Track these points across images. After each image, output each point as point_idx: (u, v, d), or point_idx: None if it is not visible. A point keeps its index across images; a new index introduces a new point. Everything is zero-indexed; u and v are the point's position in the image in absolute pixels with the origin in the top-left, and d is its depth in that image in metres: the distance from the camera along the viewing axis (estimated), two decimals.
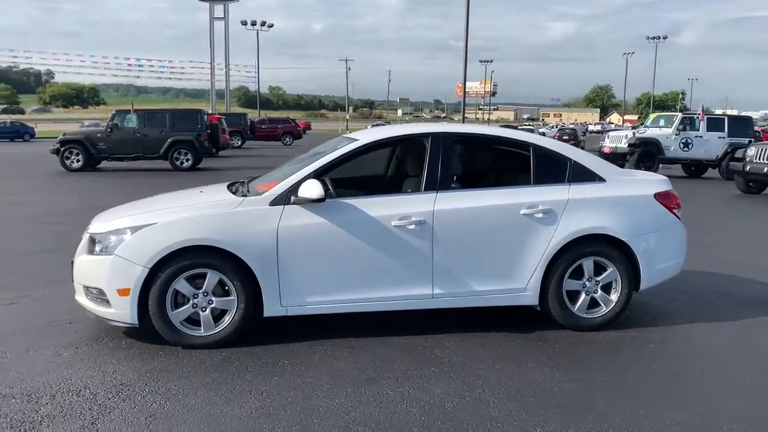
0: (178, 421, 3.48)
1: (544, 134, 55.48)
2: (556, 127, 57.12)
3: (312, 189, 4.51)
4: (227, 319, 4.58)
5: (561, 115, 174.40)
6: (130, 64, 76.32)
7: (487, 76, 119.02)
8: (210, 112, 33.49)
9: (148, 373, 4.13)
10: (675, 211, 5.23)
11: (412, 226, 4.69)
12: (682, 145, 20.81)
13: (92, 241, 4.65)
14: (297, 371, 4.19)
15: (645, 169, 20.40)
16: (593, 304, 5.07)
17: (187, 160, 20.35)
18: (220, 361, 4.33)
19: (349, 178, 5.97)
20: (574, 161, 5.07)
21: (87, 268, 4.64)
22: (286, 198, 4.63)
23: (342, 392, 3.87)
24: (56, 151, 20.09)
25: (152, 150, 20.11)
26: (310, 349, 4.57)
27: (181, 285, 4.50)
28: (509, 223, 4.83)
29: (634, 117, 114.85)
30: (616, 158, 21.71)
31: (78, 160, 20.05)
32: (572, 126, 61.08)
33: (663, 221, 5.16)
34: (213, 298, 4.56)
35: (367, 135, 5.10)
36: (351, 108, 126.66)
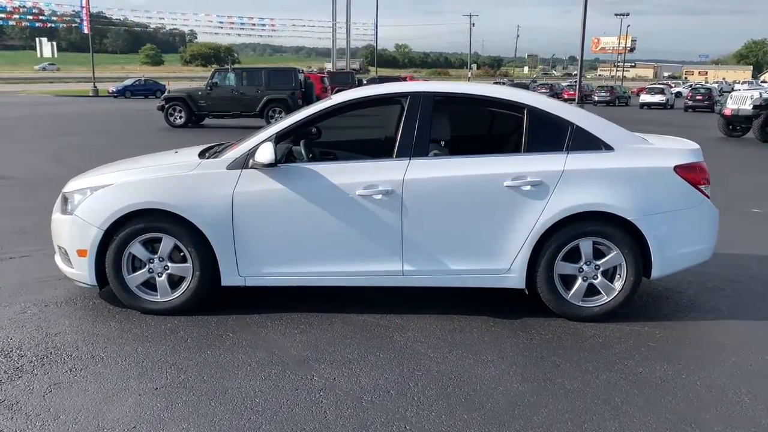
0: (77, 391, 3.37)
1: (680, 94, 51.69)
2: (692, 86, 52.56)
3: (264, 153, 4.20)
4: (184, 286, 4.43)
5: (707, 73, 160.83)
6: (253, 24, 78.69)
7: (623, 31, 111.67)
8: (314, 70, 33.73)
9: (88, 338, 4.07)
10: (702, 186, 4.41)
11: (379, 196, 4.26)
12: None
13: (64, 199, 4.64)
14: (235, 347, 3.96)
15: None
16: (592, 291, 4.42)
17: (282, 118, 20.57)
18: (164, 331, 4.19)
19: (336, 142, 5.62)
20: (577, 126, 4.38)
21: (56, 227, 4.64)
22: (244, 162, 4.35)
23: (263, 374, 3.60)
24: (161, 108, 21.08)
25: (249, 108, 20.55)
26: (263, 323, 4.33)
27: (137, 249, 4.39)
28: (490, 196, 4.27)
29: None
30: (740, 121, 19.58)
31: (181, 117, 20.94)
32: (709, 85, 55.87)
33: (684, 199, 4.37)
34: (169, 264, 4.42)
35: (341, 95, 4.68)
36: (475, 65, 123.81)
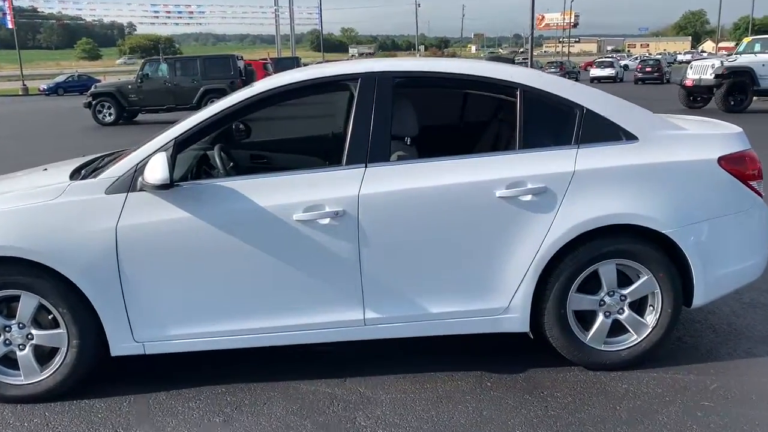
0: None
1: (627, 67, 51.55)
2: (639, 59, 52.57)
3: (155, 168, 2.93)
4: (57, 361, 3.14)
5: (648, 45, 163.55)
6: (191, 12, 75.67)
7: (567, 6, 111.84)
8: (252, 57, 32.17)
9: None
10: (753, 182, 3.33)
11: (326, 221, 3.05)
12: None
13: None
14: None
15: (735, 104, 17.61)
16: (618, 329, 3.32)
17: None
18: (33, 429, 2.92)
19: (271, 143, 4.42)
20: (587, 110, 3.24)
21: None
22: (130, 182, 3.08)
23: None
24: (88, 105, 19.28)
25: (185, 100, 18.90)
26: (171, 407, 3.09)
27: None
28: (478, 212, 3.11)
29: (731, 44, 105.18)
30: (701, 92, 18.91)
31: (110, 114, 19.19)
32: (657, 56, 56.02)
33: (732, 200, 3.28)
34: (34, 332, 3.13)
35: (267, 81, 3.42)
36: (423, 47, 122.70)
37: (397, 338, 3.24)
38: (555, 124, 3.27)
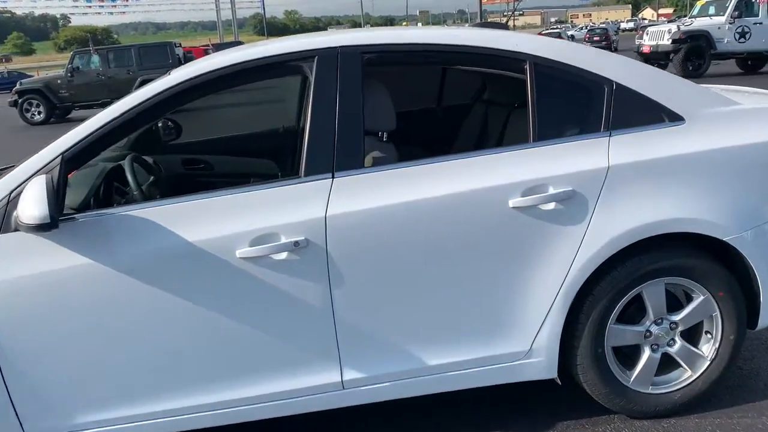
0: None
1: (573, 37, 51.47)
2: (585, 28, 52.53)
3: (30, 202, 2.04)
4: None
5: (591, 15, 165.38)
6: (126, 1, 72.59)
7: None
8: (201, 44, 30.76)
9: None
10: None
11: (282, 255, 2.22)
12: (737, 36, 17.32)
13: None
14: None
15: (693, 69, 17.24)
16: (667, 365, 2.60)
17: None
18: None
19: (207, 144, 3.59)
20: (618, 85, 2.47)
21: None
22: (1, 220, 2.19)
23: None
24: (14, 104, 17.76)
25: (121, 92, 17.40)
26: None
27: None
28: (486, 229, 2.32)
29: (669, 11, 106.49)
30: (658, 58, 18.48)
31: (39, 112, 17.72)
32: (603, 25, 56.08)
33: None
34: None
35: (187, 68, 2.54)
36: (368, 26, 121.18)
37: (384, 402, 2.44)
38: (578, 105, 2.49)
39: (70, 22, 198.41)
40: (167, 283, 2.19)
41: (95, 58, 17.73)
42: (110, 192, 2.79)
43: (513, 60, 2.48)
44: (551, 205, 2.33)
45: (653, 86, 2.49)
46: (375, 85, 2.58)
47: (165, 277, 2.19)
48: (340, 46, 2.40)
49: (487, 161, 2.37)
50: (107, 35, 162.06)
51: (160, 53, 18.00)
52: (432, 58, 2.72)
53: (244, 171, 3.65)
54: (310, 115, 2.35)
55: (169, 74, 2.49)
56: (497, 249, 2.34)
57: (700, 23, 17.94)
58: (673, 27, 17.93)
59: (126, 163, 2.68)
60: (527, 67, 2.45)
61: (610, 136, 2.43)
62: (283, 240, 2.22)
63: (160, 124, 3.82)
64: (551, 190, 2.33)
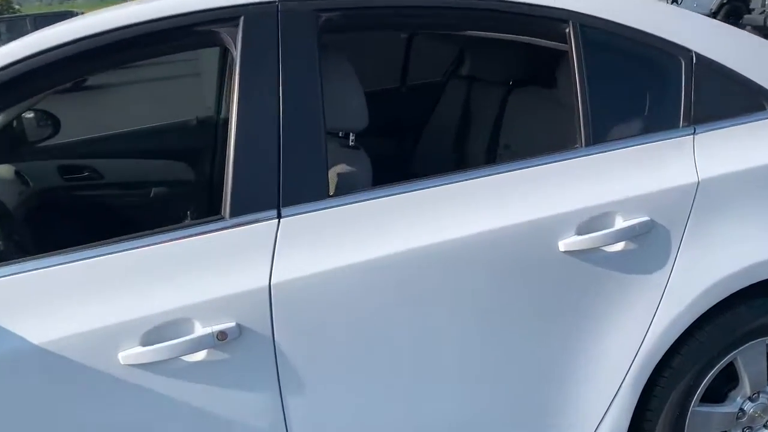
0: None
1: None
2: None
3: None
4: None
5: None
6: None
7: None
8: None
9: None
10: None
11: (198, 356, 1.31)
12: None
13: None
14: None
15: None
16: None
17: None
18: None
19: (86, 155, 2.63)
20: (700, 57, 1.65)
21: None
22: None
23: None
24: None
25: None
26: None
27: None
28: (526, 286, 1.48)
29: None
30: None
31: None
32: None
33: None
34: None
35: (22, 43, 1.55)
36: None
37: None
38: (644, 89, 1.66)
39: None
40: (21, 405, 1.25)
41: None
42: None
43: (548, 20, 1.61)
44: (620, 246, 1.51)
45: (750, 58, 1.69)
46: (337, 62, 1.67)
47: (13, 396, 1.25)
48: (280, 1, 1.47)
49: (514, 180, 1.52)
50: (8, 5, 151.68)
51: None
52: (425, 23, 1.76)
53: (146, 178, 2.68)
54: (235, 113, 1.42)
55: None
56: (540, 316, 1.51)
57: None
58: None
59: None
60: (570, 31, 1.60)
61: (694, 133, 1.62)
62: (199, 331, 1.31)
63: (28, 117, 2.80)
64: (620, 223, 1.51)
